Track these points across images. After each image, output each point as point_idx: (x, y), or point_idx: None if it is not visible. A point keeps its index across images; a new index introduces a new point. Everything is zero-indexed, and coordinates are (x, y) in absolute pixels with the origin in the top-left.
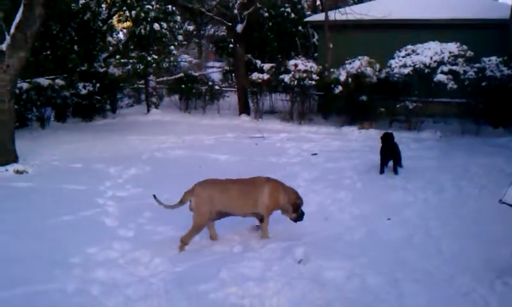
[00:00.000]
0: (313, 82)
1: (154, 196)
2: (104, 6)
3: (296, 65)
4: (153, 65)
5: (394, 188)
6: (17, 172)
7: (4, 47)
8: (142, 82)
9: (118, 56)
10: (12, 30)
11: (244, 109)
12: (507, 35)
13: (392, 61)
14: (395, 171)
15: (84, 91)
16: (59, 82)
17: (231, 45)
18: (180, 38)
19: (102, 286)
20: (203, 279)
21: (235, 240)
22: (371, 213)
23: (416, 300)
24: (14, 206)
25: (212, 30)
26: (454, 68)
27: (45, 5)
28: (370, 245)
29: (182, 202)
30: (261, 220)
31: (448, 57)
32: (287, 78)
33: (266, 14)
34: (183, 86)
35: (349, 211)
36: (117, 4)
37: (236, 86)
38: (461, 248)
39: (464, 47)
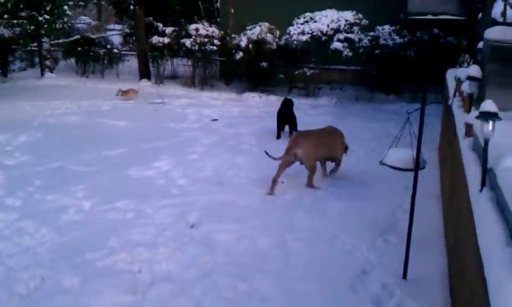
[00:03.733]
0: (215, 48)
1: (266, 152)
2: None
3: (197, 29)
4: (45, 26)
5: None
6: None
7: None
8: (35, 44)
9: (6, 16)
10: None
11: (144, 73)
12: (400, 4)
13: (291, 28)
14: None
15: None
16: None
17: (132, 7)
18: None
19: None
20: (91, 248)
21: (128, 208)
22: (266, 178)
23: (302, 258)
24: None
25: None
26: (350, 35)
27: None
28: (263, 208)
29: (288, 153)
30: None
31: (345, 25)
32: (188, 42)
33: None
34: (79, 48)
35: (245, 175)
36: None
37: (136, 50)
38: (346, 209)
39: (360, 15)
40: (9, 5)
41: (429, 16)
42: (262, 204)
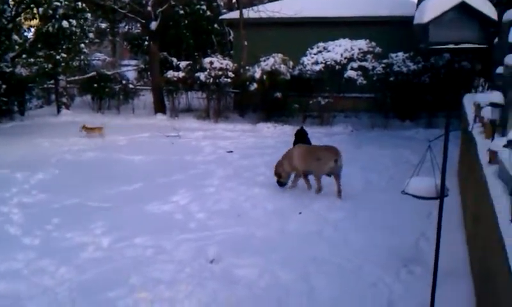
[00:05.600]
0: (229, 80)
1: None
2: (11, 2)
3: (211, 63)
4: (63, 64)
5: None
6: None
7: None
8: (52, 82)
9: (24, 55)
10: None
11: (159, 107)
12: (419, 34)
13: (305, 58)
14: None
15: None
16: None
17: (146, 43)
18: (91, 35)
19: (2, 300)
20: (112, 286)
21: (147, 244)
22: (283, 209)
23: (326, 292)
24: None
25: (126, 27)
26: (363, 64)
27: None
28: (283, 241)
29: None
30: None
31: (358, 54)
32: (202, 76)
33: (182, 11)
34: (95, 85)
35: (262, 207)
36: (25, 2)
37: (151, 85)
38: (368, 239)
39: (373, 43)
40: (27, 45)
41: (451, 46)
42: (281, 237)
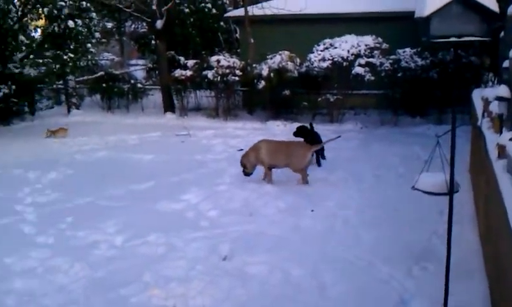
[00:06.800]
0: (237, 78)
1: None
2: (16, 2)
3: (218, 61)
4: (70, 64)
5: (317, 180)
6: None
7: None
8: (61, 82)
9: (32, 56)
10: None
11: (168, 106)
12: (421, 28)
13: (312, 55)
14: (318, 164)
15: None
16: None
17: (153, 42)
18: (97, 35)
19: (17, 297)
20: (125, 284)
21: (159, 241)
22: (295, 206)
23: (337, 289)
24: None
25: (133, 27)
26: (371, 60)
27: None
28: (294, 238)
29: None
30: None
31: (365, 50)
32: (210, 74)
33: (187, 10)
34: (104, 85)
35: (274, 205)
36: (30, 2)
37: (160, 84)
38: (379, 236)
39: (380, 39)
40: (34, 45)
41: (453, 39)
42: (293, 235)
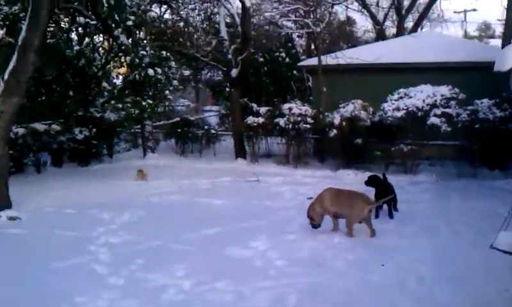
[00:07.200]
0: (309, 126)
1: None
2: (101, 51)
3: (290, 109)
4: (148, 110)
5: (389, 232)
6: (10, 218)
7: None
8: (139, 126)
9: (113, 101)
10: (5, 76)
11: (240, 152)
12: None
13: (385, 104)
14: (391, 215)
15: (80, 136)
16: (55, 127)
17: (227, 89)
18: (175, 82)
19: None
20: None
21: (227, 289)
22: (365, 259)
23: None
24: (4, 253)
25: (208, 74)
26: (447, 110)
27: (38, 52)
28: (363, 293)
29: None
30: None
31: (441, 100)
32: (282, 121)
33: (261, 59)
34: (179, 130)
35: (343, 257)
36: (113, 51)
37: (232, 130)
38: (453, 295)
39: (456, 89)
40: (115, 91)
41: None
42: (361, 289)
